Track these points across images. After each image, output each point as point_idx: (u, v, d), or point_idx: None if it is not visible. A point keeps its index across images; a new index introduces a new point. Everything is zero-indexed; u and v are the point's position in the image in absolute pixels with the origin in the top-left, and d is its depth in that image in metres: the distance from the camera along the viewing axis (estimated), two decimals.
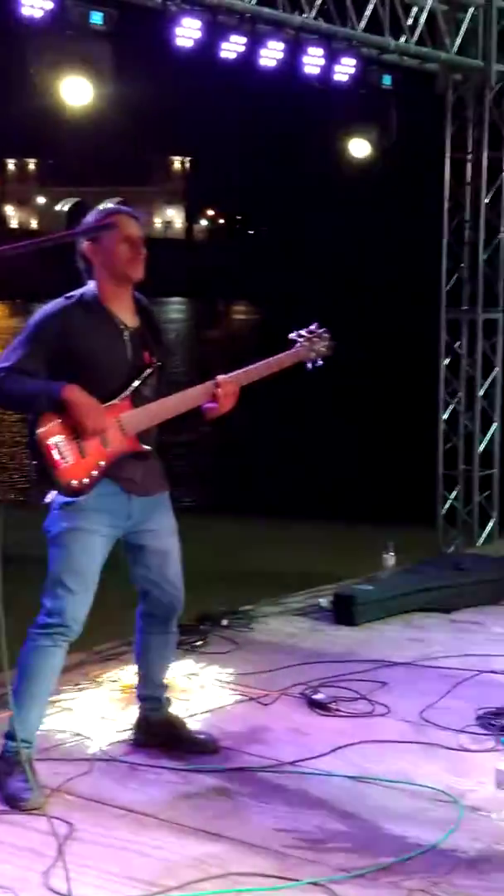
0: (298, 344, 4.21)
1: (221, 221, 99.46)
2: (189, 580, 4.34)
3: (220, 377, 4.07)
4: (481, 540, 8.40)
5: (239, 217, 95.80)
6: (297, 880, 3.38)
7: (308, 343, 4.21)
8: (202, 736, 4.37)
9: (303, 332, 4.23)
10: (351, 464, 14.60)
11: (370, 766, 4.23)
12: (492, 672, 5.30)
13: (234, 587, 7.39)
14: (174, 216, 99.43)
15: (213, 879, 3.38)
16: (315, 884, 3.36)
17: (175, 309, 54.72)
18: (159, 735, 4.32)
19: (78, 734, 4.46)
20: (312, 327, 4.25)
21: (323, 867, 3.46)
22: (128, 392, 3.98)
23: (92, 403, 3.87)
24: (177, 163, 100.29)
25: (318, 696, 4.88)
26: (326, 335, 4.25)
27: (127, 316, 4.08)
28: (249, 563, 8.99)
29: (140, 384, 4.01)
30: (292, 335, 4.22)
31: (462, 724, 4.61)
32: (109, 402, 3.94)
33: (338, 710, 4.80)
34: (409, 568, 6.91)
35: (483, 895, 3.34)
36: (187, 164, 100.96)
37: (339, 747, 4.38)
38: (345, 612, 6.21)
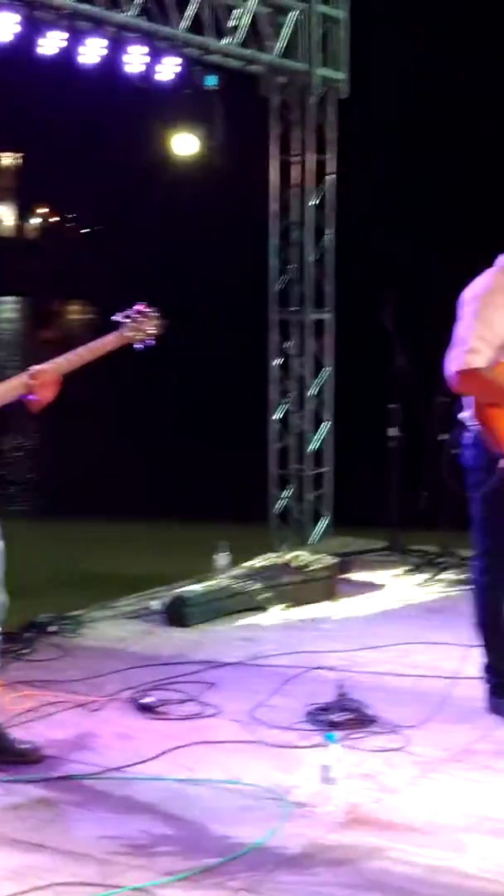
0: (124, 325, 4.04)
1: (54, 219, 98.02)
2: (19, 586, 4.24)
3: (34, 367, 3.94)
4: (315, 538, 8.50)
5: (72, 215, 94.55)
6: (121, 887, 3.34)
7: (134, 324, 4.03)
8: (25, 745, 4.27)
9: (128, 313, 4.05)
10: (185, 464, 14.59)
11: (198, 767, 4.23)
12: (320, 668, 5.37)
13: (65, 592, 7.27)
14: (4, 214, 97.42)
15: (35, 891, 3.31)
16: (138, 889, 3.33)
17: (7, 308, 53.64)
18: None
19: None
20: (139, 307, 4.06)
21: (148, 872, 3.43)
22: None
23: None
24: (6, 159, 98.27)
25: (147, 700, 4.84)
26: (154, 314, 4.06)
27: None
28: (82, 567, 8.85)
29: None
30: (116, 317, 4.04)
31: (291, 722, 4.66)
32: None
33: (166, 713, 4.78)
34: (241, 567, 6.94)
35: (306, 889, 3.37)
36: (18, 161, 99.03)
37: (168, 750, 4.35)
38: (176, 615, 6.20)
